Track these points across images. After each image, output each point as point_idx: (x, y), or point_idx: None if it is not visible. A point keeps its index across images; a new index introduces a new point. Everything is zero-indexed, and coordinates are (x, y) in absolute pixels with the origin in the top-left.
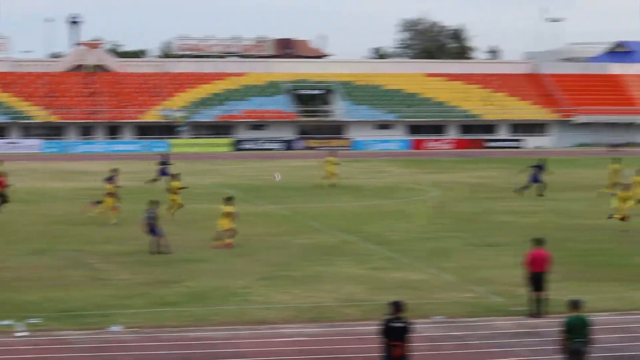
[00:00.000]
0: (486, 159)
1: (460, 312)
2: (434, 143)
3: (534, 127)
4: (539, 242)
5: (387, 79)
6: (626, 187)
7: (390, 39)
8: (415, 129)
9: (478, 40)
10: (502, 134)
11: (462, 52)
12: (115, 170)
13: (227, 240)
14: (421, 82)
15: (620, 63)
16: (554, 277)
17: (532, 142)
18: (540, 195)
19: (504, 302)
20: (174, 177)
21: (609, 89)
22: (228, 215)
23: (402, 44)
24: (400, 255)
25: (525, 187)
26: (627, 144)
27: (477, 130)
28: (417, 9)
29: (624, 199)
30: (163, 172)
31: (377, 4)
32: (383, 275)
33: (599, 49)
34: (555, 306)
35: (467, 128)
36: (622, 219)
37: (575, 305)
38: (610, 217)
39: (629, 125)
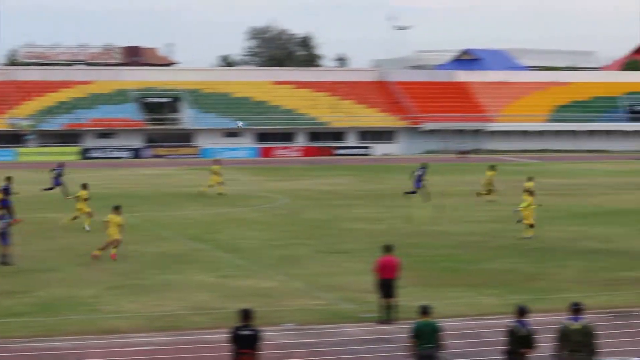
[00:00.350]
0: (335, 166)
1: (311, 319)
2: (282, 151)
3: (383, 135)
4: (388, 248)
5: (235, 86)
6: (531, 193)
7: (238, 47)
8: (263, 136)
9: (326, 48)
10: (351, 141)
11: (310, 60)
12: (9, 179)
13: (112, 252)
14: (269, 90)
15: (467, 70)
16: (404, 283)
17: (380, 149)
18: (426, 200)
19: (354, 308)
20: (84, 186)
21: (456, 96)
22: (117, 225)
23: (250, 51)
24: (250, 262)
25: (413, 192)
26: (475, 151)
27: (326, 137)
28: (265, 17)
29: (529, 205)
30: (57, 181)
31: (225, 12)
32: (233, 283)
33: (446, 57)
34: (405, 312)
35: (316, 135)
36: (532, 225)
37: (424, 310)
38: (519, 222)
39: (477, 132)
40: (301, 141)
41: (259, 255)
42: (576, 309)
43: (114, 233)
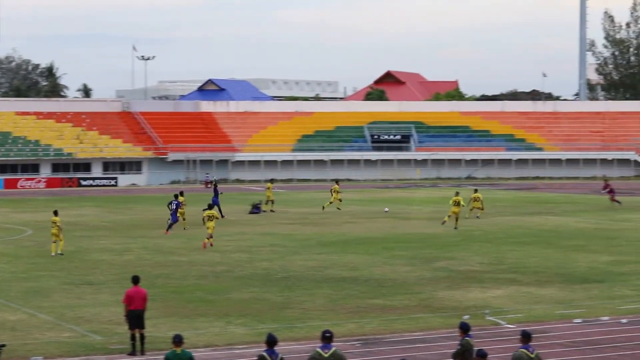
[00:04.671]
0: (81, 197)
1: (60, 351)
2: (27, 182)
3: (128, 165)
4: (136, 279)
5: None
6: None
7: None
8: (7, 168)
9: (69, 79)
10: (96, 172)
11: (53, 91)
12: None
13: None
14: (12, 121)
15: (211, 101)
16: (153, 314)
17: (126, 180)
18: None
19: (103, 340)
20: None
21: (202, 127)
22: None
23: None
24: None
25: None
26: (222, 180)
27: (71, 168)
28: (6, 47)
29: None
30: None
31: None
32: None
33: (191, 87)
34: (155, 343)
35: (61, 166)
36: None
37: (177, 340)
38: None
39: (224, 162)
40: (46, 172)
41: (4, 288)
42: (326, 337)
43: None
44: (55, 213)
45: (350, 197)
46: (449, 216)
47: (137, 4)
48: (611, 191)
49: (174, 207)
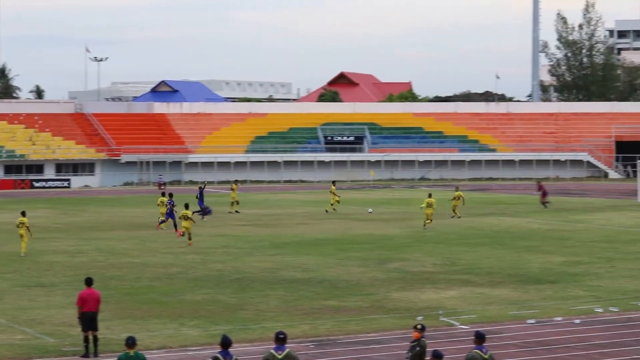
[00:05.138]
0: (34, 199)
1: (12, 354)
2: None
3: (81, 167)
4: (89, 281)
5: None
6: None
7: None
8: None
9: (22, 80)
10: (49, 173)
11: (5, 92)
12: None
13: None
14: None
15: (164, 102)
16: (107, 316)
17: (79, 181)
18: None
19: (56, 342)
20: None
21: (155, 128)
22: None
23: None
24: None
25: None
26: (176, 182)
27: (23, 170)
28: None
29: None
30: None
31: None
32: None
33: (144, 89)
34: (109, 345)
35: (13, 168)
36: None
37: (130, 342)
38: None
39: (177, 164)
40: None
41: None
42: (280, 338)
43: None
44: (23, 214)
45: (303, 198)
46: (429, 220)
47: (90, 5)
48: (544, 193)
49: (169, 206)
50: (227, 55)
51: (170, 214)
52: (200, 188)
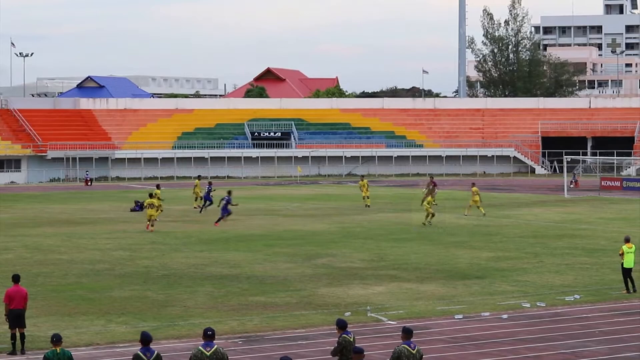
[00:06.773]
0: None
1: None
2: None
3: (7, 163)
4: (16, 278)
5: None
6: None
7: None
8: None
9: None
10: None
11: None
12: None
13: None
14: None
15: (90, 98)
16: (33, 313)
17: (5, 178)
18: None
19: None
20: None
21: (81, 124)
22: None
23: None
24: None
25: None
26: (102, 178)
27: None
28: None
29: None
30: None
31: None
32: None
33: (70, 85)
34: (36, 342)
35: None
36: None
37: (55, 339)
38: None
39: (104, 160)
40: None
41: None
42: (208, 335)
43: None
44: None
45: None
46: (432, 214)
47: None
48: (434, 190)
49: (223, 202)
50: (154, 51)
51: (224, 208)
52: (209, 184)
